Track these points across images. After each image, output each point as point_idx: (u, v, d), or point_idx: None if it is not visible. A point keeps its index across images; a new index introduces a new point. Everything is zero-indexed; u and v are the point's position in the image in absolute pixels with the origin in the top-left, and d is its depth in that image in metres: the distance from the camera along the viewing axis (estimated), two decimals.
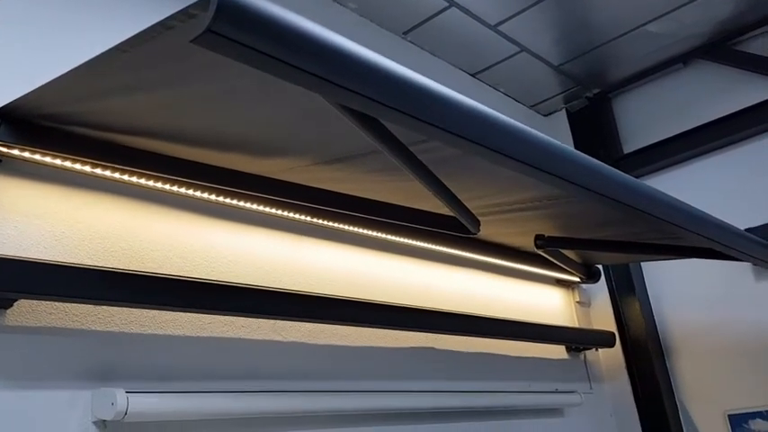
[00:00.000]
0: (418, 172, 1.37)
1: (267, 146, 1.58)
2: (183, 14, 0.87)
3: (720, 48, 3.47)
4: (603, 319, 3.57)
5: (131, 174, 1.71)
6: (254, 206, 2.02)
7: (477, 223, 1.75)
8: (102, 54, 1.06)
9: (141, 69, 1.14)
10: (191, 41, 0.81)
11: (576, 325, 3.49)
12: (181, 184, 1.80)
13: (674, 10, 3.20)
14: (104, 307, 1.68)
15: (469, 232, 1.82)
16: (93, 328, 1.66)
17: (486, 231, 2.16)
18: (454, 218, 1.95)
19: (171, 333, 1.81)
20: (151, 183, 1.77)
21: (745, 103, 3.33)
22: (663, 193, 1.83)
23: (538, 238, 2.56)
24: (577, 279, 3.31)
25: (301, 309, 2.00)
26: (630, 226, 2.19)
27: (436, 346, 2.62)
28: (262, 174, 1.84)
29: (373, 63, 0.99)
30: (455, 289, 2.83)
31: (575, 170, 1.44)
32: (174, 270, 1.86)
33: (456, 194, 1.55)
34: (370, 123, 1.15)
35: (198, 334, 1.87)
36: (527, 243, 2.64)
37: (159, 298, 1.69)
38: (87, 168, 1.65)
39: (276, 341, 2.06)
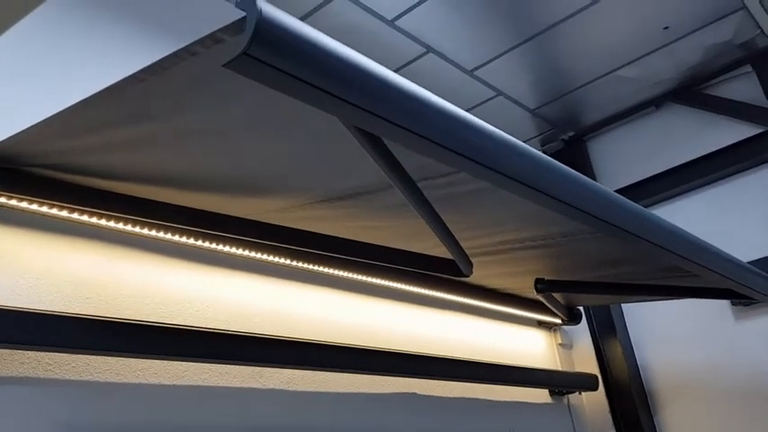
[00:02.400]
0: (423, 209, 1.36)
1: (265, 183, 1.55)
2: (210, 39, 0.85)
3: (691, 92, 3.57)
4: (586, 361, 3.55)
5: (108, 218, 1.68)
6: (235, 250, 1.98)
7: (470, 265, 1.74)
8: (110, 88, 1.03)
9: (150, 101, 1.10)
10: (223, 65, 0.78)
11: (559, 368, 3.46)
12: (158, 227, 1.77)
13: (644, 56, 3.30)
14: (78, 355, 1.64)
15: (461, 274, 1.80)
16: (67, 378, 1.61)
17: (479, 273, 2.14)
18: (444, 260, 1.94)
19: (147, 381, 1.76)
20: (129, 227, 1.75)
21: (716, 145, 3.41)
22: (689, 233, 1.83)
23: (538, 281, 2.53)
24: (559, 321, 3.30)
25: (281, 355, 1.96)
26: (640, 265, 2.16)
27: (418, 391, 2.58)
28: (245, 216, 1.82)
29: (412, 93, 0.99)
30: (437, 332, 2.80)
31: (605, 206, 1.42)
32: (151, 316, 1.82)
33: (453, 234, 1.53)
34: (385, 155, 1.14)
35: (174, 382, 1.82)
36: (521, 284, 2.61)
37: (135, 345, 1.64)
38: (64, 213, 1.62)
39: (255, 388, 2.01)
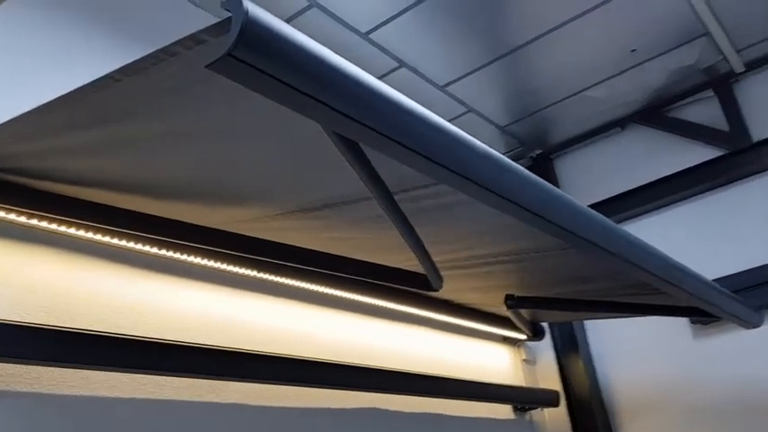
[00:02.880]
0: (397, 221, 1.33)
1: (239, 192, 1.51)
2: (191, 40, 0.81)
3: (655, 114, 3.64)
4: (549, 377, 3.57)
5: (68, 224, 1.62)
6: (200, 260, 1.93)
7: (440, 279, 1.72)
8: (84, 87, 0.99)
9: (125, 102, 1.06)
10: (206, 66, 0.76)
11: (523, 383, 3.47)
12: (121, 235, 1.72)
13: (612, 77, 3.36)
14: (32, 366, 1.57)
15: (431, 288, 1.78)
16: (19, 390, 1.54)
17: (448, 287, 2.12)
18: (413, 273, 1.91)
19: (103, 395, 1.70)
20: (90, 234, 1.69)
21: (678, 166, 3.48)
22: (661, 251, 1.84)
23: (508, 298, 2.52)
24: (524, 336, 3.30)
25: (239, 368, 1.91)
26: (610, 282, 2.16)
27: (381, 407, 2.55)
28: (212, 226, 1.77)
29: (397, 101, 0.97)
30: (402, 347, 2.77)
31: (584, 223, 1.43)
32: (110, 327, 1.75)
33: (426, 247, 1.52)
34: (364, 164, 1.12)
35: (132, 395, 1.76)
36: (490, 299, 2.60)
37: (92, 357, 1.58)
38: (22, 219, 1.55)
39: (214, 403, 1.96)
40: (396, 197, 1.28)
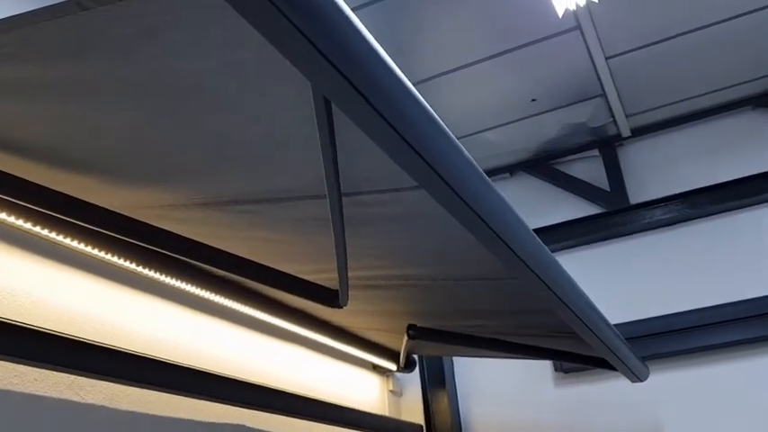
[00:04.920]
0: (336, 224, 1.22)
1: (172, 167, 1.31)
2: None
3: (543, 165, 3.80)
4: (413, 410, 3.54)
5: None
6: (84, 247, 1.73)
7: (347, 296, 1.61)
8: (38, 11, 0.80)
9: (83, 35, 0.88)
10: None
11: (387, 414, 3.41)
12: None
13: (510, 123, 3.47)
14: None
15: (336, 304, 1.66)
16: None
17: (352, 307, 1.99)
18: (321, 287, 1.79)
19: None
20: None
21: (560, 218, 3.63)
22: (588, 297, 1.84)
23: (410, 327, 2.46)
24: (394, 367, 3.26)
25: (103, 365, 1.70)
26: (524, 319, 2.12)
27: (248, 424, 2.39)
28: (106, 206, 1.56)
29: (405, 85, 0.92)
30: (270, 362, 2.64)
31: (539, 257, 1.39)
32: None
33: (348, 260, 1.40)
34: (332, 150, 1.01)
35: None
36: (390, 325, 2.50)
37: None
38: None
39: (72, 401, 1.73)
40: (343, 199, 1.18)
